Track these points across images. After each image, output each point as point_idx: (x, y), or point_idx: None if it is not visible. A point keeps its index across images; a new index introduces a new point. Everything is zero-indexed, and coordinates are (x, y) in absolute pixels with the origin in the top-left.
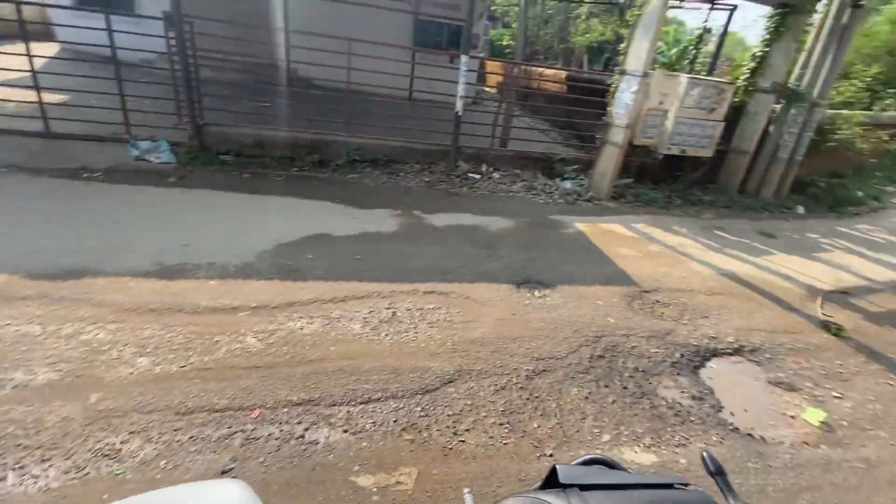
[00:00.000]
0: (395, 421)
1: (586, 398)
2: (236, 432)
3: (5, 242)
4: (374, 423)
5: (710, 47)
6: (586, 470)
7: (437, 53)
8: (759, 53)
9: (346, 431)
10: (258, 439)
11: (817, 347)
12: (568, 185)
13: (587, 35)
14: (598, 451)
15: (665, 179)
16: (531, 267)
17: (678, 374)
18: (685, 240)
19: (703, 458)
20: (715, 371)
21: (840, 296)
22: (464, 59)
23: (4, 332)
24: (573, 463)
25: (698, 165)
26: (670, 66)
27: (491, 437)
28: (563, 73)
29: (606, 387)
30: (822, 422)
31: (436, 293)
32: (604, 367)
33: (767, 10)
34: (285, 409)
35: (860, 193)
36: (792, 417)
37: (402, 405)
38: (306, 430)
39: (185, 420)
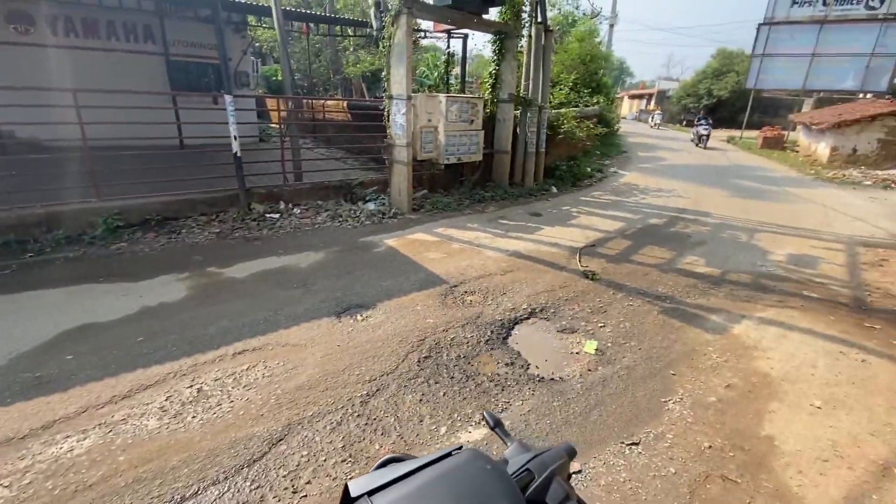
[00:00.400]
0: None
1: (420, 401)
2: None
3: None
4: None
5: (469, 68)
6: (377, 474)
7: (197, 95)
8: (494, 71)
9: None
10: None
11: (583, 293)
12: (371, 206)
13: (358, 65)
14: (439, 445)
15: (453, 185)
16: (350, 293)
17: (492, 349)
18: (478, 233)
19: (483, 416)
20: (519, 336)
21: (590, 249)
22: (228, 98)
23: None
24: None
25: (475, 169)
26: (436, 88)
27: (334, 479)
28: (345, 103)
29: (437, 383)
30: (596, 349)
31: (248, 351)
32: (431, 365)
33: (490, 36)
34: None
35: (589, 169)
36: (577, 353)
37: (226, 488)
38: None
39: None
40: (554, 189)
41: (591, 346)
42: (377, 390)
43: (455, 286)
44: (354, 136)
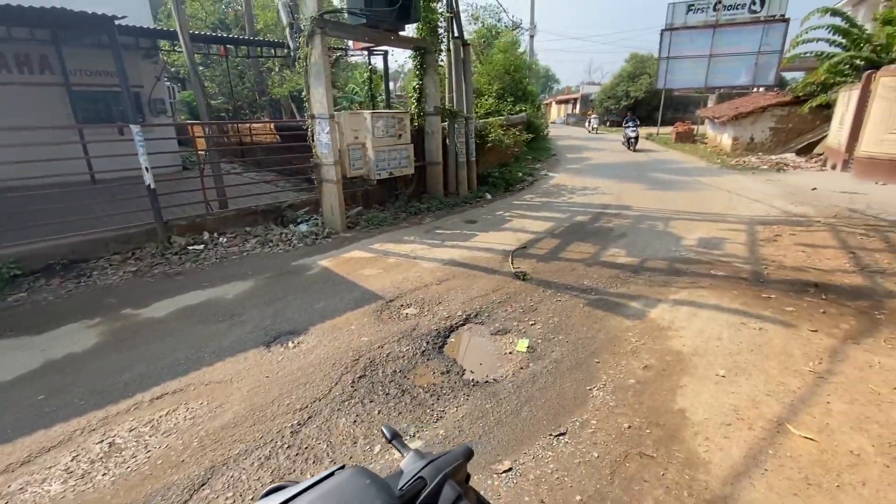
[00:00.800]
0: None
1: (354, 422)
2: None
3: None
4: None
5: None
6: None
7: (107, 127)
8: (417, 86)
9: None
10: None
11: (516, 293)
12: (303, 228)
13: (285, 85)
14: (373, 464)
15: (389, 200)
16: (280, 320)
17: (428, 359)
18: (415, 245)
19: (382, 431)
20: (454, 343)
21: (522, 250)
22: (134, 129)
23: None
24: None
25: (409, 182)
26: (365, 105)
27: None
28: (272, 125)
29: (371, 402)
30: (527, 347)
31: (168, 395)
32: (366, 385)
33: (411, 52)
34: None
35: (520, 174)
36: (510, 353)
37: None
38: None
39: None
40: (488, 196)
41: (522, 345)
42: (309, 418)
43: (391, 301)
44: (284, 158)
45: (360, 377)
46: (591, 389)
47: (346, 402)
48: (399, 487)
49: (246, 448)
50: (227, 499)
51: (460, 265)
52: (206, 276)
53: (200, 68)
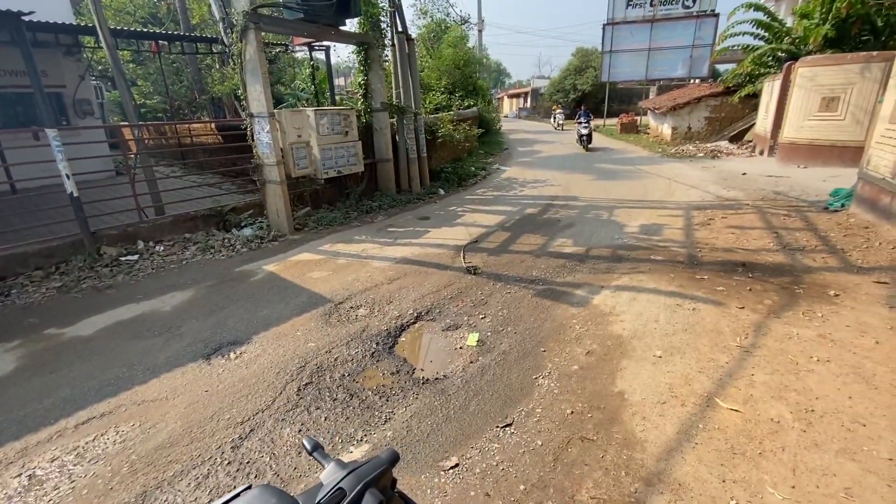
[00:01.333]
0: None
1: (300, 431)
2: None
3: None
4: None
5: (351, 79)
6: None
7: (17, 132)
8: (363, 82)
9: None
10: None
11: (467, 288)
12: (248, 232)
13: (226, 83)
14: (318, 474)
15: (339, 199)
16: (222, 331)
17: (378, 360)
18: (366, 245)
19: (302, 444)
20: (405, 342)
21: (473, 245)
22: (50, 133)
23: None
24: None
25: (360, 180)
26: (311, 102)
27: None
28: (212, 124)
29: (318, 408)
30: (478, 341)
31: (95, 419)
32: (312, 392)
33: (354, 46)
34: None
35: (473, 168)
36: (460, 348)
37: None
38: None
39: None
40: (441, 191)
41: (473, 339)
42: (251, 431)
43: (340, 303)
44: (228, 159)
45: (306, 384)
46: (536, 378)
47: (291, 412)
48: (316, 501)
49: (182, 468)
50: None
51: (412, 263)
52: (140, 288)
53: (132, 66)
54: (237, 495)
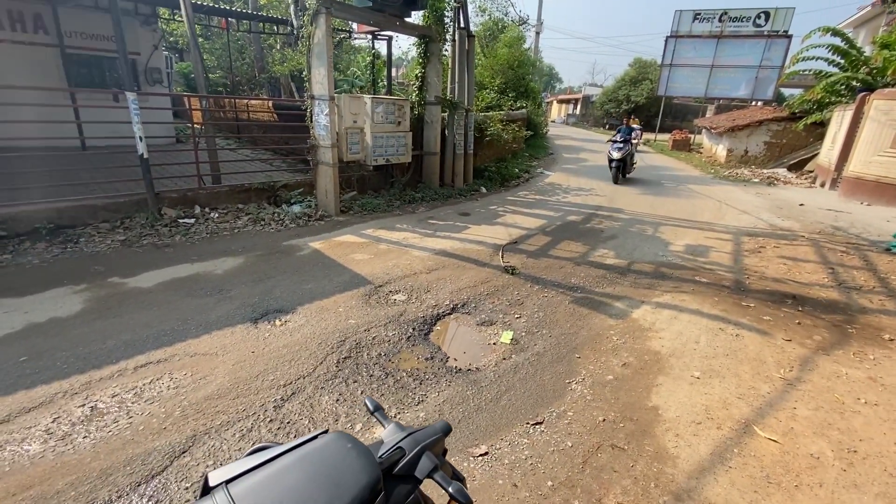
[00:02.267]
0: None
1: (337, 400)
2: None
3: None
4: None
5: (403, 71)
6: (238, 463)
7: (100, 92)
8: (419, 74)
9: None
10: None
11: (504, 286)
12: (296, 208)
13: (286, 64)
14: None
15: (384, 186)
16: (268, 298)
17: (413, 345)
18: (406, 233)
19: (365, 403)
20: (439, 331)
21: (513, 245)
22: (130, 96)
23: None
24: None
25: (405, 170)
26: (366, 90)
27: None
28: (270, 103)
29: (355, 382)
30: (511, 339)
31: (152, 364)
32: (351, 366)
33: (415, 39)
34: None
35: (517, 170)
36: (494, 344)
37: None
38: None
39: None
40: (483, 189)
41: (507, 337)
42: (292, 394)
43: (380, 286)
44: (281, 137)
45: (345, 358)
46: (570, 383)
47: (330, 381)
48: (378, 455)
49: (228, 419)
50: (206, 466)
51: (451, 256)
52: (195, 250)
53: (200, 40)
54: (315, 437)
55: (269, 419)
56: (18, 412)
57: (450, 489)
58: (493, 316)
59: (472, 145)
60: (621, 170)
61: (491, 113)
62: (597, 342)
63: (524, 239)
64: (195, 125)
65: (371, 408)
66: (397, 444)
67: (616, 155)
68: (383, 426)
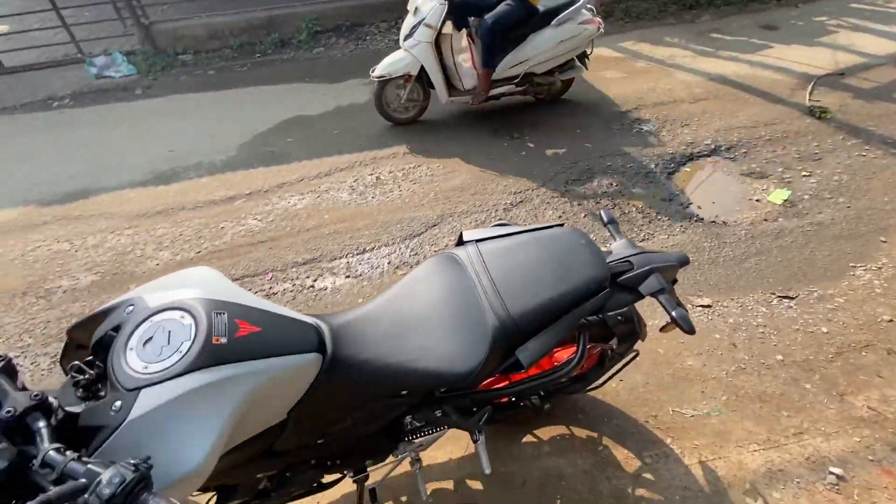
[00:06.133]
0: (388, 263)
1: (560, 217)
2: (256, 291)
3: (6, 180)
4: (371, 267)
5: None
6: (487, 230)
7: None
8: None
9: (348, 277)
10: (276, 293)
11: (796, 133)
12: None
13: None
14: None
15: None
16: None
17: (651, 182)
18: (675, 50)
19: (600, 215)
20: (688, 173)
21: (834, 78)
22: None
23: (39, 252)
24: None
25: None
26: None
27: None
28: None
29: (579, 205)
30: (785, 200)
31: (415, 154)
32: (578, 189)
33: None
34: (293, 269)
35: None
36: (757, 201)
37: (393, 251)
38: (314, 281)
39: None
40: None
41: (779, 196)
42: (520, 202)
43: (626, 112)
44: None
45: (574, 180)
46: (854, 267)
47: (556, 198)
48: (607, 261)
49: (466, 209)
50: (449, 240)
51: (730, 83)
52: None
53: None
54: (552, 227)
55: (498, 218)
56: (335, 171)
57: (673, 313)
58: (769, 168)
59: None
60: None
61: None
62: None
63: (858, 70)
64: None
65: (605, 219)
66: (627, 257)
67: None
68: (615, 239)
